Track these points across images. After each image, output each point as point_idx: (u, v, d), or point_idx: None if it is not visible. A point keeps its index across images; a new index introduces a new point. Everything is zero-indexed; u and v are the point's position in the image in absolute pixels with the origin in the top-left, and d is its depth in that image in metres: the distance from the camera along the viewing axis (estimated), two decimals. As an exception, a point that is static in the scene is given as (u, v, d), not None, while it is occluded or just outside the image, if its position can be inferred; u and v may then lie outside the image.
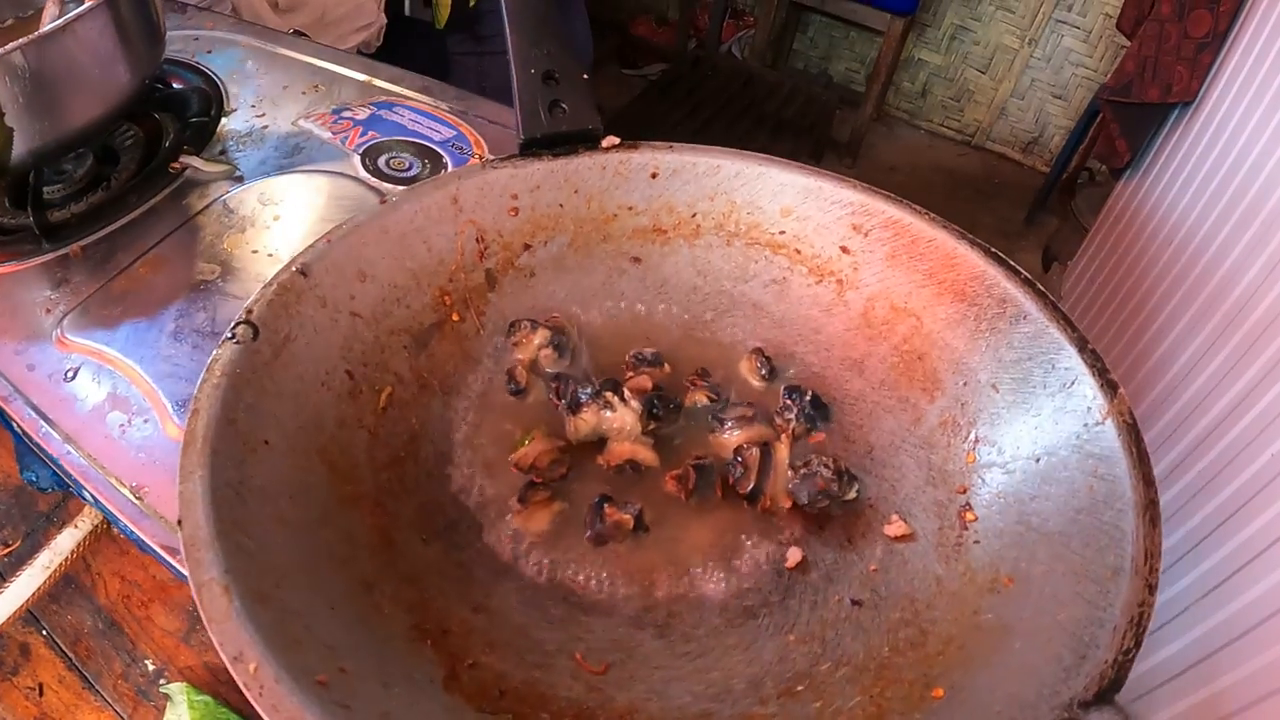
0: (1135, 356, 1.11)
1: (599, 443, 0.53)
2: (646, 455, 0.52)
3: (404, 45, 1.12)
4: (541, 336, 0.55)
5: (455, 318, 0.57)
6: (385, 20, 1.04)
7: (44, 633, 0.67)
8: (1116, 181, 1.40)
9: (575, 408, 0.52)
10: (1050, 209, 2.32)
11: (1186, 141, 1.17)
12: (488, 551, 0.49)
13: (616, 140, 0.59)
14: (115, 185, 0.73)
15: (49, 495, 0.72)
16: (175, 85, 0.80)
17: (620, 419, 0.52)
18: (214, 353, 0.47)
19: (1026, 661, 0.41)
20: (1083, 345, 0.51)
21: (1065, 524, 0.46)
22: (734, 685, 0.44)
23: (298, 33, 0.91)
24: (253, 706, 0.34)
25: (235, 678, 0.35)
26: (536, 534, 0.50)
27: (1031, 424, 0.51)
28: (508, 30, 0.60)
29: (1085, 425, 0.48)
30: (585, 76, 0.60)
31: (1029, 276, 0.54)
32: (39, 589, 0.62)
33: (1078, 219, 1.69)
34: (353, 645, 0.40)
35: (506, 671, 0.43)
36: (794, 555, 0.50)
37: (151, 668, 0.65)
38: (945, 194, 2.53)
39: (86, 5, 0.65)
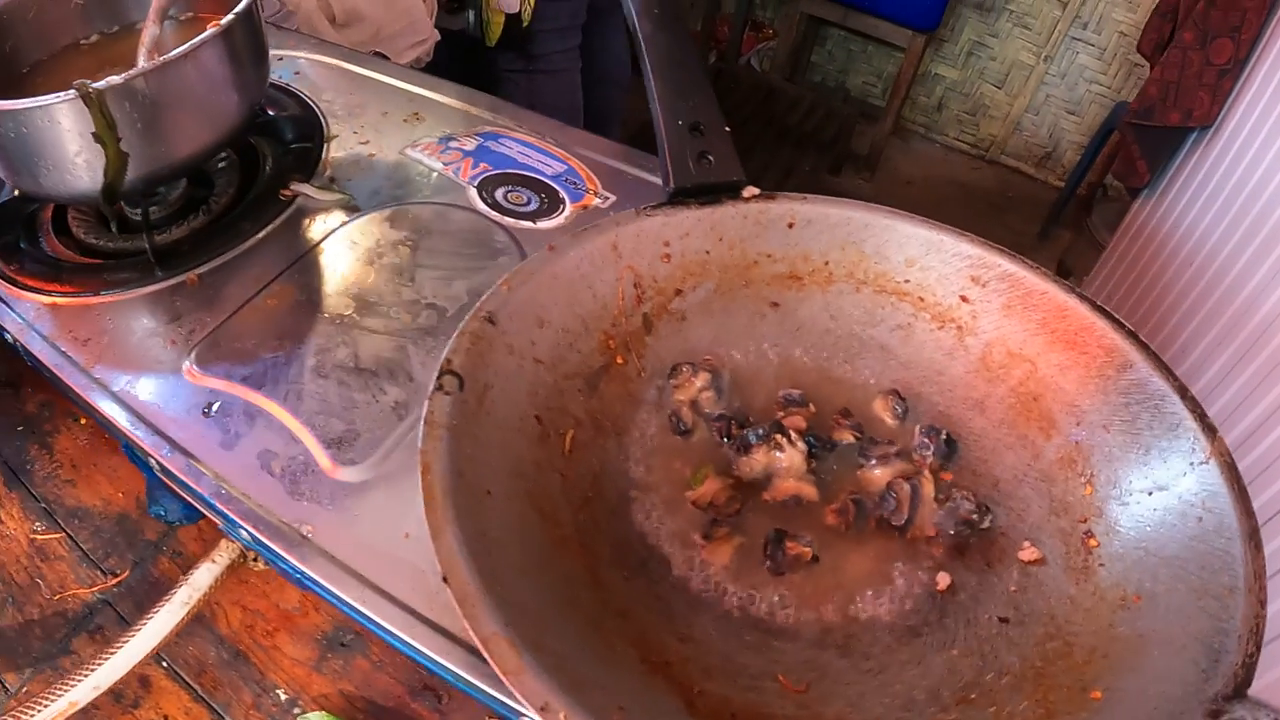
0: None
1: (764, 479, 0.58)
2: (809, 491, 0.58)
3: (452, 61, 1.12)
4: (702, 379, 0.60)
5: (619, 360, 0.61)
6: (439, 36, 1.05)
7: (164, 665, 0.68)
8: (1134, 200, 1.52)
9: (745, 449, 0.58)
10: (1064, 223, 2.46)
11: (1206, 164, 1.28)
12: (680, 584, 0.55)
13: (756, 190, 0.64)
14: (215, 210, 0.73)
15: (155, 523, 0.72)
16: (269, 110, 0.80)
17: (788, 459, 0.57)
18: (426, 405, 0.50)
19: (1168, 666, 0.49)
20: (1184, 393, 0.59)
21: (1180, 549, 0.54)
22: (916, 696, 0.52)
23: (378, 54, 0.91)
24: None
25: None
26: (720, 566, 0.55)
27: (1142, 461, 0.59)
28: (652, 81, 0.64)
29: (1191, 464, 0.56)
30: (727, 129, 0.64)
31: (1133, 329, 0.62)
32: (177, 625, 0.63)
33: (1092, 234, 1.81)
34: (611, 684, 0.45)
35: (729, 696, 0.49)
36: (944, 579, 0.57)
37: (284, 697, 0.67)
38: (961, 207, 2.65)
39: (209, 31, 0.65)
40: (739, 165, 0.64)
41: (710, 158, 0.64)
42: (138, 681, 0.68)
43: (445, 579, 0.44)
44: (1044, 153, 2.79)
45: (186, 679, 0.68)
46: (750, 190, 0.65)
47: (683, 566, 0.55)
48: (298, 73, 0.86)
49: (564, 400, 0.58)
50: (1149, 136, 1.39)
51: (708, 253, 0.64)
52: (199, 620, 0.70)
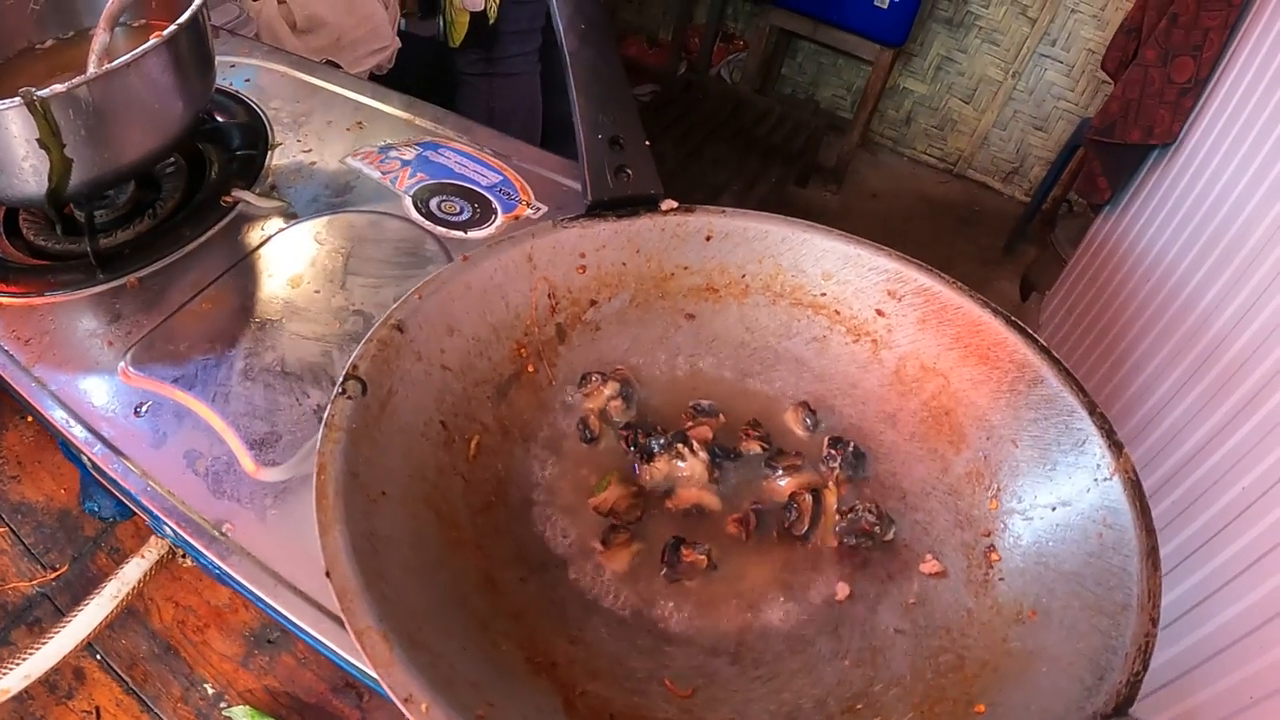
0: (1113, 387, 1.25)
1: (667, 487, 0.61)
2: (711, 500, 0.61)
3: (413, 64, 1.16)
4: (611, 388, 0.63)
5: (530, 369, 0.64)
6: (399, 43, 1.09)
7: (98, 657, 0.72)
8: (1096, 216, 1.54)
9: (649, 457, 0.60)
10: (1029, 238, 2.50)
11: (1166, 181, 1.30)
12: (576, 588, 0.57)
13: (674, 204, 0.67)
14: (160, 213, 0.77)
15: (94, 520, 0.76)
16: (217, 116, 0.84)
17: (690, 468, 0.60)
18: (328, 409, 0.53)
19: (1053, 682, 0.50)
20: (1093, 409, 0.61)
21: (1079, 565, 0.56)
22: (802, 705, 0.53)
23: (330, 63, 0.95)
24: None
25: (408, 717, 0.42)
26: (618, 572, 0.58)
27: (1047, 476, 0.60)
28: (575, 97, 0.67)
29: (1095, 480, 0.58)
30: (647, 143, 0.67)
31: (1045, 345, 0.64)
32: (106, 618, 0.67)
33: (1056, 249, 1.84)
34: (488, 682, 0.48)
35: (611, 697, 0.51)
36: (842, 589, 0.59)
37: (211, 691, 0.70)
38: (927, 221, 2.69)
39: (152, 41, 0.69)
40: (657, 179, 0.67)
41: (629, 171, 0.67)
42: (72, 673, 0.72)
43: (328, 574, 0.48)
44: (1011, 168, 2.84)
45: (119, 671, 0.72)
46: (668, 204, 0.67)
47: (580, 571, 0.58)
48: (248, 80, 0.89)
49: (472, 406, 0.61)
50: (1111, 153, 1.40)
51: (624, 264, 0.67)
52: (132, 615, 0.74)
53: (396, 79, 1.05)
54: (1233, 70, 1.18)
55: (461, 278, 0.62)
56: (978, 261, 2.55)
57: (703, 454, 0.60)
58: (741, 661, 0.56)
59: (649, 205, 0.67)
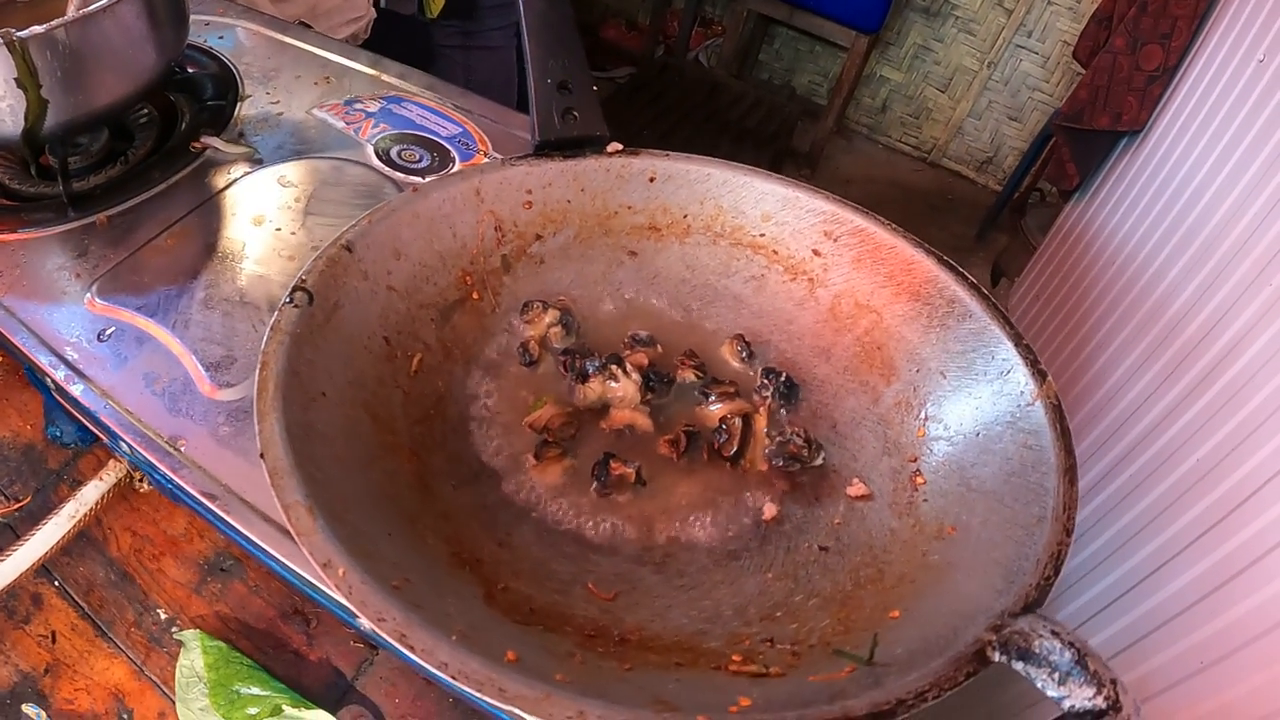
0: (1076, 368, 1.29)
1: (602, 409, 0.65)
2: (643, 421, 0.65)
3: (390, 36, 1.23)
4: (551, 316, 0.68)
5: (475, 296, 0.68)
6: (375, 14, 1.15)
7: (55, 584, 0.76)
8: (1065, 203, 1.59)
9: (583, 378, 0.65)
10: (1001, 226, 2.56)
11: (1133, 168, 1.35)
12: (508, 498, 0.61)
13: (620, 146, 0.72)
14: (132, 160, 0.82)
15: (59, 453, 0.81)
16: (189, 69, 0.90)
17: (622, 389, 0.64)
18: (275, 316, 0.58)
19: (967, 589, 0.53)
20: (1018, 340, 0.65)
21: (999, 485, 0.59)
22: (723, 611, 0.56)
23: (302, 24, 1.01)
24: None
25: (326, 580, 0.46)
26: (549, 485, 0.62)
27: (973, 404, 0.64)
28: (527, 42, 0.72)
29: (1019, 406, 0.62)
30: (595, 88, 0.72)
31: (974, 281, 0.68)
32: (62, 538, 0.71)
33: (1027, 237, 1.89)
34: (410, 564, 0.51)
35: (532, 595, 0.55)
36: (769, 509, 0.63)
37: (164, 616, 0.74)
38: (900, 208, 2.75)
39: (123, -10, 0.75)
40: (603, 121, 0.71)
41: (575, 114, 0.72)
42: (30, 598, 0.76)
43: (262, 455, 0.52)
44: (985, 157, 2.91)
45: (75, 597, 0.76)
46: (614, 146, 0.72)
47: (513, 482, 0.61)
48: (222, 37, 0.93)
49: (415, 326, 0.65)
50: (1079, 140, 1.45)
51: (569, 202, 0.72)
52: (91, 543, 0.78)
53: (380, 52, 1.11)
54: (1200, 59, 1.22)
55: (410, 207, 0.67)
56: (949, 249, 2.57)
57: (635, 376, 0.64)
58: (665, 571, 0.59)
59: (595, 147, 0.72)
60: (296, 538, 0.48)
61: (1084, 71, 1.47)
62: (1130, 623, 0.95)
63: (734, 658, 0.51)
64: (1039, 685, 0.44)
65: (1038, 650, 0.45)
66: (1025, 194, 2.48)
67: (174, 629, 0.74)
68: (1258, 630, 0.76)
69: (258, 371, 0.55)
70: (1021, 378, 0.63)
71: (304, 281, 0.60)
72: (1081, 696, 0.42)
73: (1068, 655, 0.43)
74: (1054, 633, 0.45)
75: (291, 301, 0.59)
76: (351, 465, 0.56)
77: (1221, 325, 0.97)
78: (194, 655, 0.72)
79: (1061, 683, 0.43)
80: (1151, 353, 1.08)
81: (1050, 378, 0.63)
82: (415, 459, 0.60)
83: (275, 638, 0.73)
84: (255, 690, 0.70)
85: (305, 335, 0.58)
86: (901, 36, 2.81)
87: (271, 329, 0.57)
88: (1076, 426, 1.20)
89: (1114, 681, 0.42)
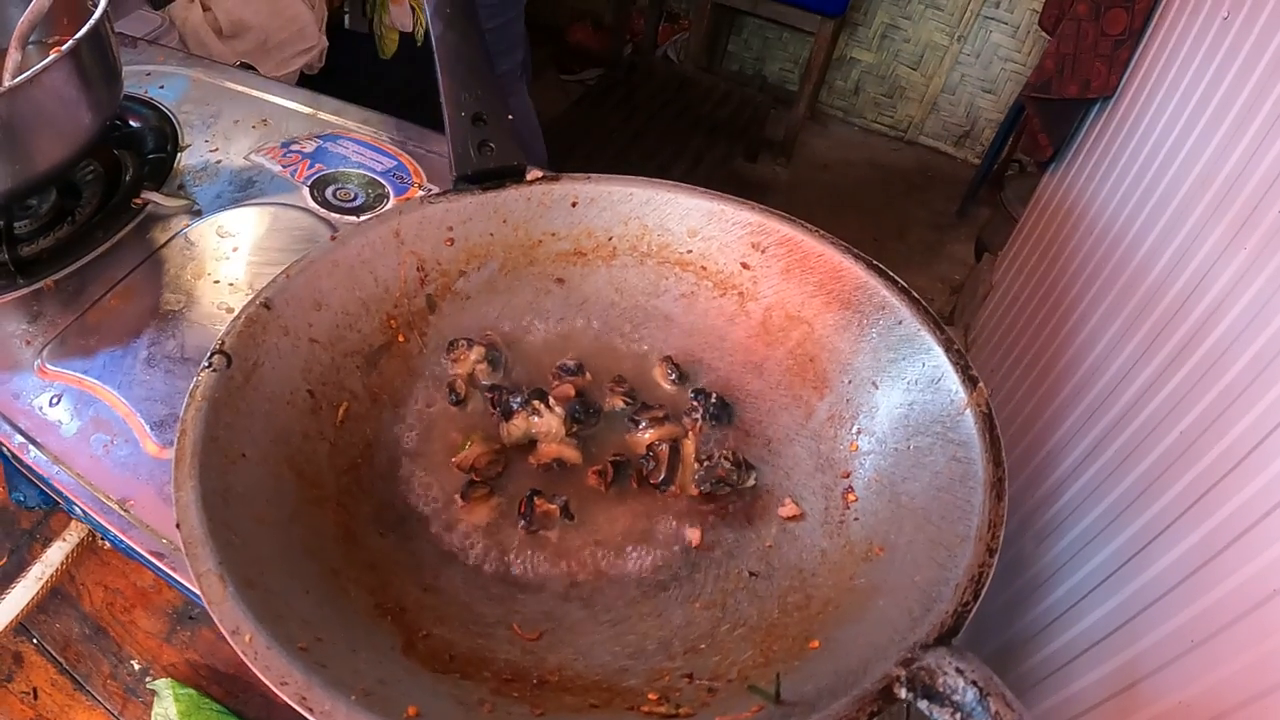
0: (1061, 341, 1.27)
1: (530, 445, 0.67)
2: (571, 454, 0.66)
3: (353, 63, 1.25)
4: (477, 353, 0.69)
5: (401, 339, 0.70)
6: (326, 43, 1.17)
7: (35, 641, 0.80)
8: (1043, 174, 1.56)
9: (508, 414, 0.66)
10: (981, 200, 2.55)
11: (1106, 135, 1.32)
12: (435, 541, 0.62)
13: (540, 173, 0.73)
14: (80, 219, 0.85)
15: (31, 514, 0.85)
16: (132, 121, 0.93)
17: (546, 423, 0.65)
18: (195, 379, 0.60)
19: (886, 616, 0.53)
20: (949, 345, 0.64)
21: (929, 500, 0.59)
22: (647, 646, 0.57)
23: (244, 65, 1.03)
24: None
25: (234, 647, 0.48)
26: (477, 525, 0.63)
27: (905, 415, 0.64)
28: (440, 76, 0.73)
29: (949, 415, 0.61)
30: (510, 117, 0.73)
31: (904, 285, 0.68)
32: (33, 599, 0.75)
33: (1007, 210, 1.86)
34: (325, 620, 0.53)
35: (455, 640, 0.56)
36: (694, 536, 0.63)
37: (137, 667, 0.78)
38: (880, 189, 2.73)
39: (52, 56, 0.78)
40: (519, 150, 0.72)
41: (492, 145, 0.72)
42: (11, 658, 0.80)
43: (178, 525, 0.55)
44: (962, 132, 2.88)
45: (53, 653, 0.80)
46: (534, 173, 0.73)
47: (441, 525, 0.62)
48: (162, 86, 0.95)
49: (340, 376, 0.67)
50: (1049, 110, 1.42)
51: (491, 235, 0.72)
52: (65, 599, 0.82)
53: (336, 78, 1.13)
54: (1166, 20, 1.19)
55: (329, 256, 0.68)
56: (931, 226, 2.59)
57: (559, 410, 0.66)
58: (593, 606, 0.60)
59: (515, 177, 0.73)
60: (207, 606, 0.50)
61: (1051, 40, 1.44)
62: (1120, 603, 0.94)
63: (650, 696, 0.52)
64: (941, 728, 0.44)
65: (941, 689, 0.44)
66: (1004, 166, 2.48)
67: (147, 678, 0.77)
68: (1245, 607, 0.75)
69: (176, 439, 0.57)
70: (952, 385, 0.63)
71: (222, 344, 0.62)
72: (981, 741, 0.41)
73: (970, 694, 0.43)
74: (958, 670, 0.44)
75: (210, 365, 0.60)
76: (272, 524, 0.57)
77: (1199, 291, 0.95)
78: (167, 703, 0.75)
79: (962, 725, 0.41)
80: (1132, 323, 1.06)
81: (981, 385, 0.63)
82: (341, 510, 0.62)
83: (244, 681, 0.76)
84: (226, 735, 0.73)
85: (224, 399, 0.60)
86: (869, 17, 2.80)
87: (189, 395, 0.59)
88: (1060, 402, 1.19)
89: (1017, 724, 0.41)
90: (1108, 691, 0.91)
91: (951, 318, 1.99)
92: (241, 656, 0.49)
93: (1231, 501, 0.82)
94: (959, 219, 2.61)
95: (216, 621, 0.50)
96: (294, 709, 0.46)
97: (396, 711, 0.47)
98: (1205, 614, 0.80)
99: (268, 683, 0.48)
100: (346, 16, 1.25)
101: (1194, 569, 0.83)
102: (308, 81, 1.22)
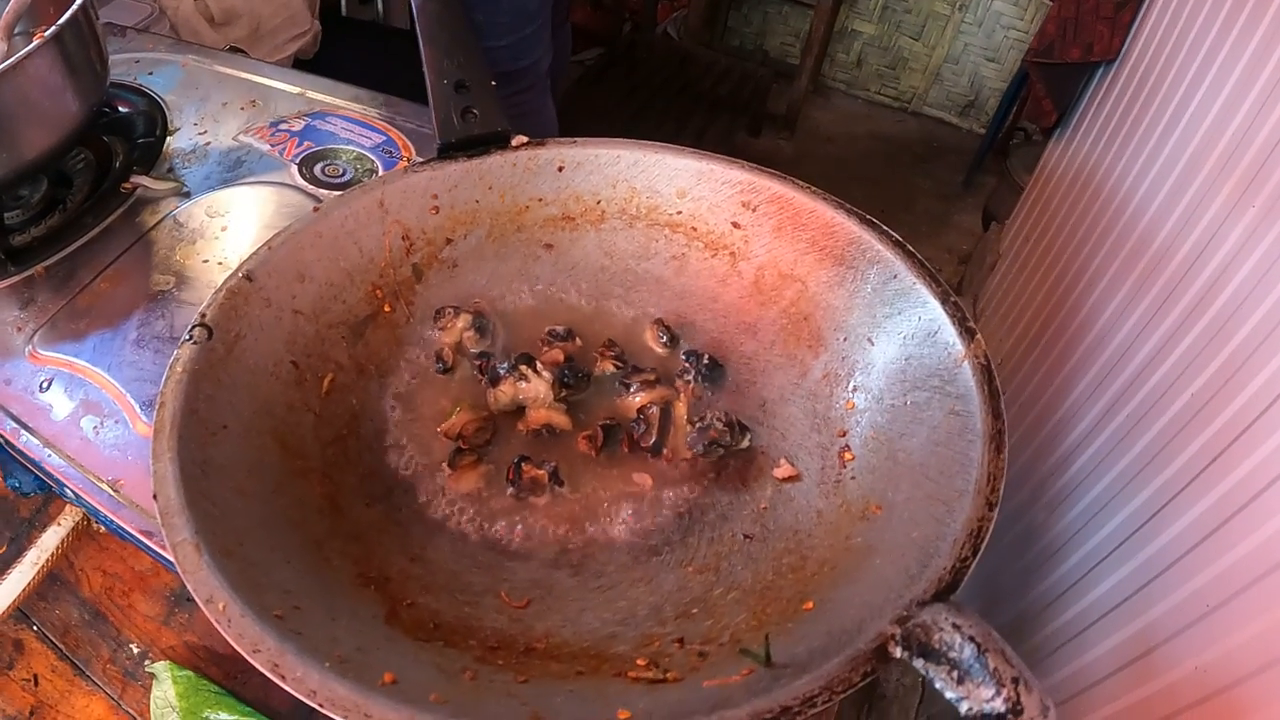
0: (1070, 307, 1.23)
1: (519, 411, 0.65)
2: (560, 419, 0.64)
3: (345, 48, 1.23)
4: (464, 320, 0.67)
5: (387, 309, 0.68)
6: (319, 27, 1.16)
7: (34, 628, 0.79)
8: (1047, 141, 1.53)
9: (495, 381, 0.64)
10: (987, 169, 2.49)
11: (1110, 98, 1.28)
12: (422, 511, 0.61)
13: (525, 139, 0.71)
14: (71, 207, 0.84)
15: (30, 501, 0.84)
16: (121, 108, 0.92)
17: (534, 389, 0.63)
18: (175, 353, 0.58)
19: (883, 574, 0.50)
20: (945, 297, 0.62)
21: (926, 456, 0.56)
22: (638, 611, 0.55)
23: (234, 49, 1.02)
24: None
25: (208, 616, 0.47)
26: (465, 493, 0.61)
27: (901, 370, 0.62)
28: (421, 44, 0.72)
29: (946, 368, 0.59)
30: (493, 84, 0.71)
31: (898, 238, 0.65)
32: (29, 585, 0.74)
33: (1013, 178, 1.82)
34: (305, 589, 0.52)
35: (440, 609, 0.54)
36: (684, 498, 0.61)
37: (136, 650, 0.76)
38: (885, 161, 2.69)
39: (34, 44, 0.77)
40: (503, 116, 0.70)
41: (475, 112, 0.70)
42: (12, 645, 0.79)
43: (155, 495, 0.53)
44: (966, 101, 2.83)
45: (53, 639, 0.79)
46: (519, 139, 0.71)
47: (428, 494, 0.61)
48: (151, 73, 0.95)
49: (325, 347, 0.65)
50: (1052, 75, 1.38)
51: (477, 202, 0.71)
52: (64, 585, 0.81)
53: (335, 64, 1.12)
54: None
55: (312, 227, 0.66)
56: (937, 197, 2.54)
57: (546, 375, 0.63)
58: (583, 573, 0.58)
59: (500, 143, 0.71)
60: (182, 575, 0.48)
61: (1052, 4, 1.40)
62: (1134, 569, 0.91)
63: (639, 662, 0.50)
64: (938, 686, 0.41)
65: (937, 645, 0.42)
66: (1009, 135, 2.42)
67: (146, 662, 0.76)
68: (1259, 571, 0.72)
69: (155, 412, 0.55)
70: (949, 337, 0.60)
71: (203, 316, 0.60)
72: (979, 699, 0.39)
73: (968, 650, 0.40)
74: (955, 625, 0.42)
75: (190, 338, 0.59)
76: (254, 496, 0.56)
77: (1208, 252, 0.92)
78: (165, 686, 0.74)
79: (960, 682, 0.40)
80: (1140, 286, 1.03)
81: (979, 336, 0.60)
82: (327, 481, 0.60)
83: (241, 662, 0.75)
84: (225, 716, 0.72)
85: (204, 371, 0.58)
86: (869, -12, 2.75)
87: (169, 368, 0.57)
88: (1070, 369, 1.16)
89: (1016, 680, 0.39)
90: (1123, 659, 0.88)
91: (960, 288, 1.95)
92: (215, 624, 0.47)
93: (1244, 465, 0.78)
94: (965, 189, 2.57)
95: (191, 590, 0.48)
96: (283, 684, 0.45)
97: (372, 678, 0.45)
98: (1220, 579, 0.77)
99: (240, 650, 0.47)
100: (344, 3, 1.23)
101: (1208, 533, 0.80)
102: (302, 68, 1.20)
